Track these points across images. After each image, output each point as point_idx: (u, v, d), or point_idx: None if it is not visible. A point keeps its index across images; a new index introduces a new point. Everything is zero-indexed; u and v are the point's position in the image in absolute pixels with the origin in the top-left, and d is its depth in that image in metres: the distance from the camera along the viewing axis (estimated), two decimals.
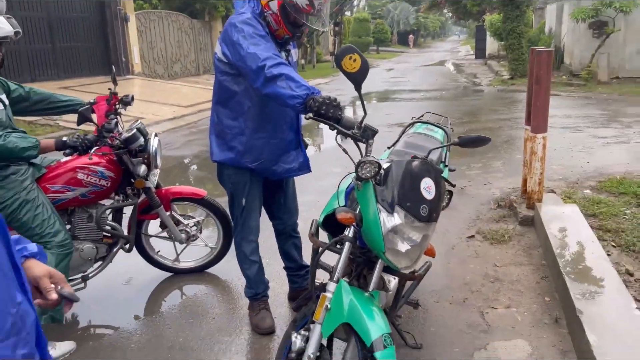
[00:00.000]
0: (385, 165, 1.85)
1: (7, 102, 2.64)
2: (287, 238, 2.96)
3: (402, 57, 33.82)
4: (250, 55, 2.16)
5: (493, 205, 4.64)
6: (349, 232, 1.95)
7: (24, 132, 2.69)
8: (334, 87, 15.39)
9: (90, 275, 2.95)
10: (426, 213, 1.83)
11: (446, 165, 2.75)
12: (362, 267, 2.13)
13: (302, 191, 5.30)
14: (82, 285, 2.94)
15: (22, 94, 2.81)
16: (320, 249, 2.08)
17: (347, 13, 34.54)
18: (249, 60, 2.16)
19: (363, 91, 1.94)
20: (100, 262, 3.01)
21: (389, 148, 2.98)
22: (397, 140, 2.99)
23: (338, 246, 2.05)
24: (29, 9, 11.73)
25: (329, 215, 2.21)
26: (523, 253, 3.65)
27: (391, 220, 1.79)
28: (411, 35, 49.26)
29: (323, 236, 2.45)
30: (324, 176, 5.71)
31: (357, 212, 1.90)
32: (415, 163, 1.89)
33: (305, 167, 2.69)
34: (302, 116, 2.14)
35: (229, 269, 3.52)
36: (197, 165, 6.89)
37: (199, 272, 3.47)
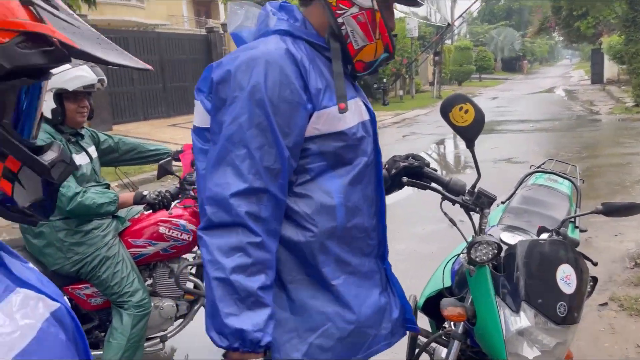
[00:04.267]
0: (505, 245, 1.44)
1: (95, 155, 2.59)
2: None
3: (506, 84, 32.22)
4: None
5: (629, 263, 3.90)
6: (458, 326, 1.54)
7: (108, 185, 2.61)
8: (433, 118, 14.83)
9: (169, 335, 2.77)
10: (565, 312, 1.38)
11: (577, 227, 2.23)
12: None
13: (396, 239, 4.91)
14: (161, 346, 2.77)
15: (111, 145, 2.77)
16: (420, 338, 1.68)
17: (448, 41, 33.77)
18: None
19: None
20: (180, 321, 2.83)
21: (502, 203, 2.51)
22: (513, 194, 2.52)
23: (444, 338, 1.64)
24: (145, 52, 12.64)
25: (431, 296, 1.81)
26: None
27: (516, 321, 1.36)
28: (525, 61, 47.46)
29: (423, 319, 2.05)
30: (419, 221, 5.26)
31: (469, 304, 1.49)
32: (549, 244, 1.45)
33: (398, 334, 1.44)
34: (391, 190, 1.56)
35: None
36: None
37: None
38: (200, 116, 1.26)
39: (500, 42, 44.98)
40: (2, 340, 0.55)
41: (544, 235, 1.61)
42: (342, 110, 1.17)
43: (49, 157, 0.65)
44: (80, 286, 2.51)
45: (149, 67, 0.69)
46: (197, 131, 1.28)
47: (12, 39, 0.55)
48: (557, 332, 1.39)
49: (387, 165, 1.55)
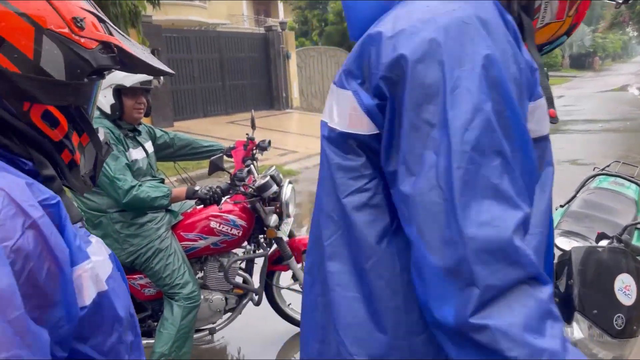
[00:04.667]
0: (559, 251, 1.36)
1: (151, 150, 2.68)
2: None
3: (574, 82, 30.71)
4: None
5: None
6: None
7: (162, 180, 2.70)
8: None
9: (217, 328, 2.84)
10: (622, 325, 1.29)
11: None
12: None
13: None
14: (209, 338, 2.84)
15: (167, 140, 2.87)
16: None
17: None
18: None
19: None
20: (229, 314, 2.89)
21: (561, 207, 2.39)
22: (574, 197, 2.39)
23: None
24: (205, 51, 13.02)
25: None
26: None
27: (568, 332, 1.28)
28: (597, 58, 45.64)
29: None
30: None
31: None
32: (608, 251, 1.36)
33: None
34: None
35: None
36: None
37: None
38: (346, 115, 0.83)
39: (569, 38, 42.90)
40: (101, 265, 0.76)
41: (603, 242, 1.51)
42: (554, 120, 0.86)
43: (101, 137, 0.86)
44: (135, 276, 2.61)
45: (172, 72, 0.90)
46: (338, 137, 0.84)
47: (97, 46, 0.76)
48: (613, 346, 1.30)
49: None
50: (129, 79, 2.40)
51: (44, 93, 0.71)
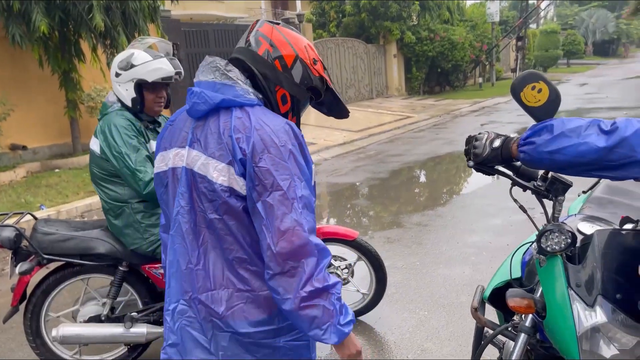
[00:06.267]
0: (581, 235, 1.33)
1: None
2: None
3: (598, 70, 30.03)
4: None
5: None
6: (527, 319, 1.46)
7: None
8: (514, 106, 14.14)
9: None
10: None
11: None
12: None
13: (470, 230, 4.75)
14: None
15: None
16: (486, 330, 1.61)
17: (532, 26, 31.98)
18: None
19: None
20: None
21: (584, 192, 2.34)
22: (597, 183, 2.34)
23: (511, 331, 1.56)
24: (223, 45, 13.06)
25: (499, 287, 1.73)
26: None
27: (591, 316, 1.26)
28: (626, 44, 45.20)
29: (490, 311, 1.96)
30: (497, 213, 5.05)
31: (538, 296, 1.40)
32: (633, 235, 1.32)
33: None
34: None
35: (383, 318, 3.16)
36: (361, 195, 6.71)
37: None
38: None
39: (591, 25, 41.94)
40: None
41: (628, 226, 1.47)
42: None
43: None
44: (156, 266, 2.64)
45: (349, 113, 1.54)
46: None
47: (317, 76, 1.40)
48: (637, 330, 1.27)
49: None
50: (151, 75, 2.42)
51: (288, 84, 1.35)
